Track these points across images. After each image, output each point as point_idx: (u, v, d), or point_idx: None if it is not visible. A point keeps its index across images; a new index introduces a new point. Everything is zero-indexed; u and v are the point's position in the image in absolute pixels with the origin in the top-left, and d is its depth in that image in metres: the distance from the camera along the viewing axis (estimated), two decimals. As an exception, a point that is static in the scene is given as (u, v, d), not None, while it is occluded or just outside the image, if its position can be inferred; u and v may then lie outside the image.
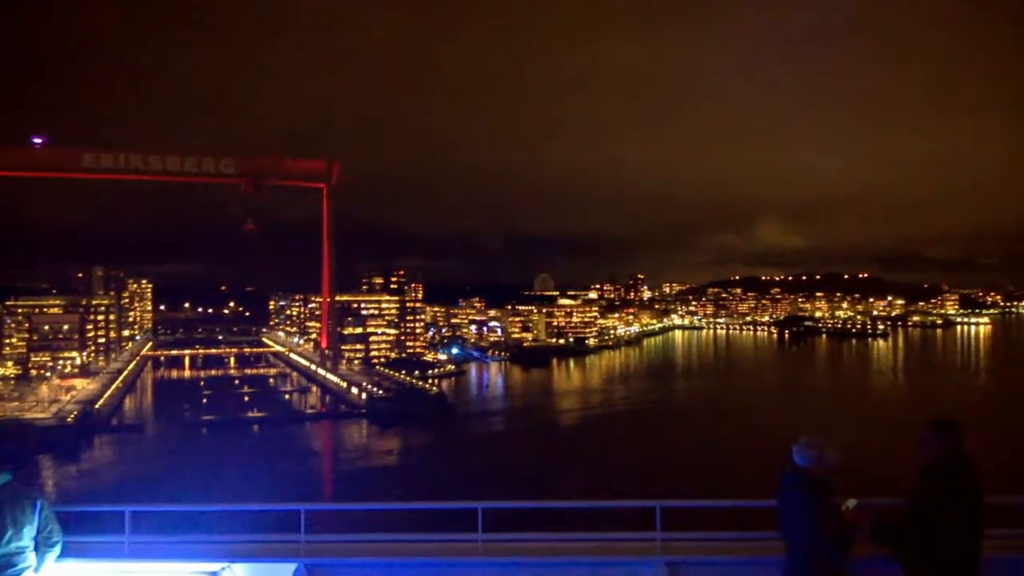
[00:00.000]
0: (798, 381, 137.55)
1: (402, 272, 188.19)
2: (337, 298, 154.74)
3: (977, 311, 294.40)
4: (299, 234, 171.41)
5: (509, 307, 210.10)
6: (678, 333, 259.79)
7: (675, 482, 56.16)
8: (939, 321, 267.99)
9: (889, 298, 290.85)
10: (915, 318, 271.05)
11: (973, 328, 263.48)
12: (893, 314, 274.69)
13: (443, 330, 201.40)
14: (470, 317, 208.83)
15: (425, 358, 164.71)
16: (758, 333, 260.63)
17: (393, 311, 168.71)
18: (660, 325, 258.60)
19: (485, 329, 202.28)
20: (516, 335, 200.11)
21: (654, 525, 6.82)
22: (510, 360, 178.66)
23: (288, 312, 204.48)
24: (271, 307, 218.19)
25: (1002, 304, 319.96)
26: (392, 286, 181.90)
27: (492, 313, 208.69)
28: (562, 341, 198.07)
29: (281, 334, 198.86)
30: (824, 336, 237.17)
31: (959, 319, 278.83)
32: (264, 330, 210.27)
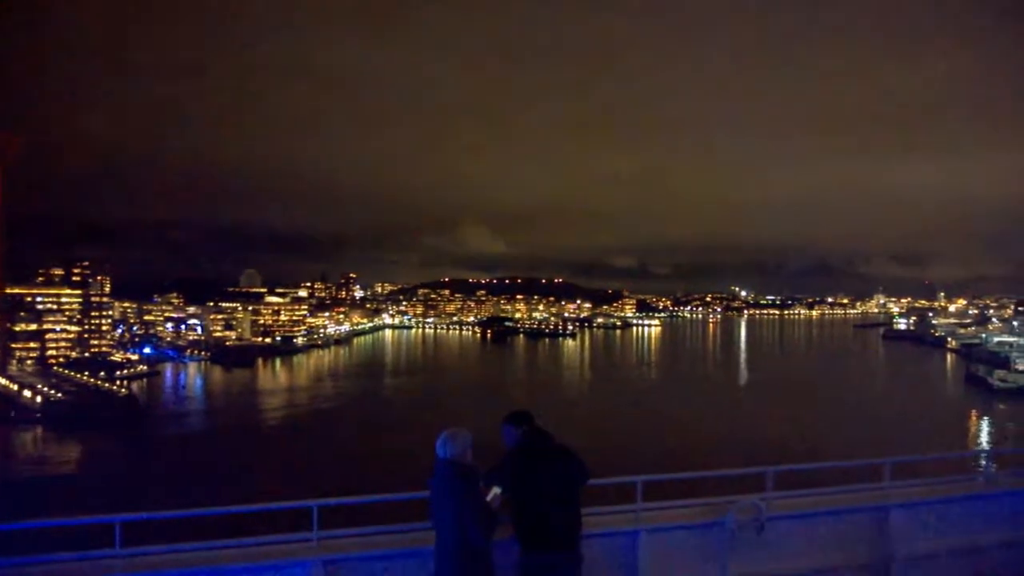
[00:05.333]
0: (495, 376, 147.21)
1: (86, 263, 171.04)
2: (7, 291, 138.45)
3: (650, 314, 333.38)
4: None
5: (211, 304, 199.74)
6: (388, 332, 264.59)
7: (361, 480, 58.46)
8: (619, 323, 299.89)
9: (579, 302, 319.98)
10: (600, 320, 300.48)
11: (646, 329, 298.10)
12: (582, 316, 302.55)
13: (135, 327, 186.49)
14: (166, 314, 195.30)
15: (113, 358, 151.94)
16: (463, 332, 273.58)
17: (75, 306, 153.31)
18: (371, 324, 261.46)
19: (183, 327, 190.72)
20: (218, 334, 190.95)
21: (311, 526, 6.88)
22: (211, 360, 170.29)
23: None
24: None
25: (671, 308, 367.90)
26: (74, 278, 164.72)
27: (192, 310, 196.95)
28: (269, 340, 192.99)
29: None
30: (522, 335, 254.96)
31: (635, 321, 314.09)
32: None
